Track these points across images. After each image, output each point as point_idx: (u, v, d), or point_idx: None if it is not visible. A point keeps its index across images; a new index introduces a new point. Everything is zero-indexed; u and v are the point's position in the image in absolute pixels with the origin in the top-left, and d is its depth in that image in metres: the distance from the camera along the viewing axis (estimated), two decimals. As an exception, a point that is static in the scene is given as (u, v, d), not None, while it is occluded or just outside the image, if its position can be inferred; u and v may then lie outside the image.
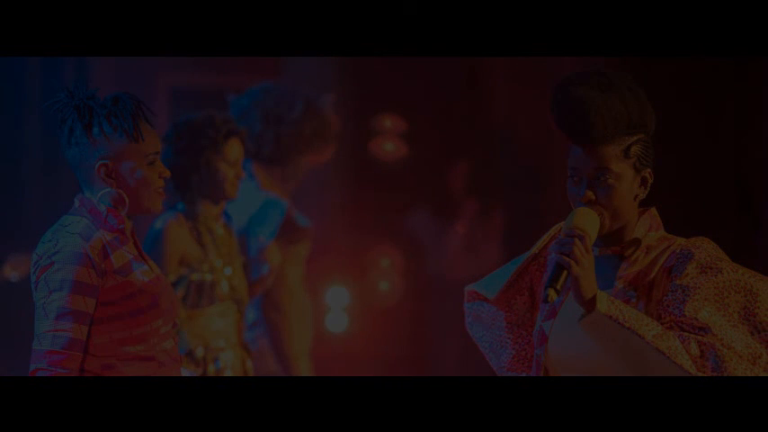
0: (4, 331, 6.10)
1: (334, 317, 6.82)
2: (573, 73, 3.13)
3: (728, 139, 5.93)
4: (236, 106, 5.51)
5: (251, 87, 5.60)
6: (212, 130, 4.67)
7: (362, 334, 6.90)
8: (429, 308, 7.15)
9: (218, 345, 4.67)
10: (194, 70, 7.02)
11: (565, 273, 2.98)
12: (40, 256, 3.22)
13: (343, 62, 6.80)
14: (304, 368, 5.50)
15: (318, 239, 5.84)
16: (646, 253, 3.14)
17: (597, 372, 3.06)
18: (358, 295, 6.94)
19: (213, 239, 4.69)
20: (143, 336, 3.24)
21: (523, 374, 3.27)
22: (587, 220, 3.04)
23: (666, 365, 2.97)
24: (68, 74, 6.40)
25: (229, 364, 4.67)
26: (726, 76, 5.85)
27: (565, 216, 3.08)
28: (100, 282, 3.20)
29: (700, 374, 2.97)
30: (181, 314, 4.53)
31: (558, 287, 2.98)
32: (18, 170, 6.56)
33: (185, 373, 4.51)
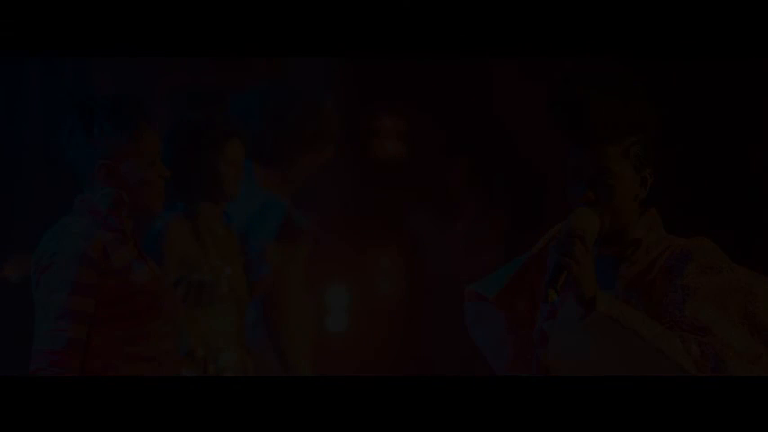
0: (4, 331, 6.09)
1: (334, 317, 6.82)
2: (573, 73, 3.13)
3: (729, 139, 5.92)
4: (237, 106, 5.51)
5: (251, 87, 5.60)
6: (212, 129, 4.67)
7: (362, 334, 6.89)
8: (429, 308, 7.13)
9: (218, 345, 4.66)
10: (194, 70, 7.01)
11: (565, 273, 2.98)
12: (41, 256, 3.22)
13: (343, 62, 6.79)
14: (304, 368, 5.50)
15: (318, 239, 5.83)
16: (646, 253, 3.14)
17: (598, 372, 3.06)
18: (358, 295, 6.93)
19: (213, 239, 4.70)
20: (143, 336, 3.24)
21: (523, 374, 3.26)
22: (587, 221, 3.04)
23: (667, 365, 2.96)
24: (68, 74, 6.40)
25: (229, 364, 4.67)
26: (726, 77, 5.84)
27: (565, 216, 3.08)
28: (100, 282, 3.20)
29: (700, 374, 2.97)
30: (181, 314, 4.53)
31: (558, 287, 2.98)
32: (18, 170, 6.55)
33: (185, 373, 4.52)
